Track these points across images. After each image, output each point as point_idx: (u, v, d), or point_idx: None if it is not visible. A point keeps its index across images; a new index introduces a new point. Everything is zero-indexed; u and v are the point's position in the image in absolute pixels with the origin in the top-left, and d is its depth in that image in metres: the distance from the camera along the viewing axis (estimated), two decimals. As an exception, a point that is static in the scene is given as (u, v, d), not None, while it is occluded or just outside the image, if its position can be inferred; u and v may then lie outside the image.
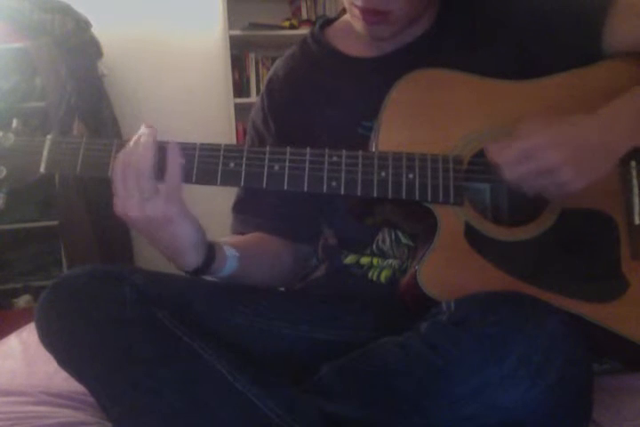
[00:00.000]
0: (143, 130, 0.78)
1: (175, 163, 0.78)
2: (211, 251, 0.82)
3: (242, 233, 1.02)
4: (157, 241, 0.80)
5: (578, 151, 0.74)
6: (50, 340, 0.81)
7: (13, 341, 1.26)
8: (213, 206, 3.06)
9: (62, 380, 0.97)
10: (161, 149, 0.77)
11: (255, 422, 0.73)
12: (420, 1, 0.87)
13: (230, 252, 0.86)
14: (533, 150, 0.74)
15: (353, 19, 0.90)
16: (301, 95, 0.98)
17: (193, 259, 0.81)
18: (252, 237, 0.99)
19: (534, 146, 0.74)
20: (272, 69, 1.06)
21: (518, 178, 0.76)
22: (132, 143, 0.77)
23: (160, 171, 0.77)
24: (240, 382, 0.75)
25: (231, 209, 1.06)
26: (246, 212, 1.02)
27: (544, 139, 0.74)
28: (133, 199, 0.76)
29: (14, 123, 0.82)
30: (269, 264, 0.98)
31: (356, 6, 0.86)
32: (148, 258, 2.96)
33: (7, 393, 0.98)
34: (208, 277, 0.88)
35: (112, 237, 2.73)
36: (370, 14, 0.86)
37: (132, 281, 0.81)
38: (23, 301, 2.67)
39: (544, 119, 0.76)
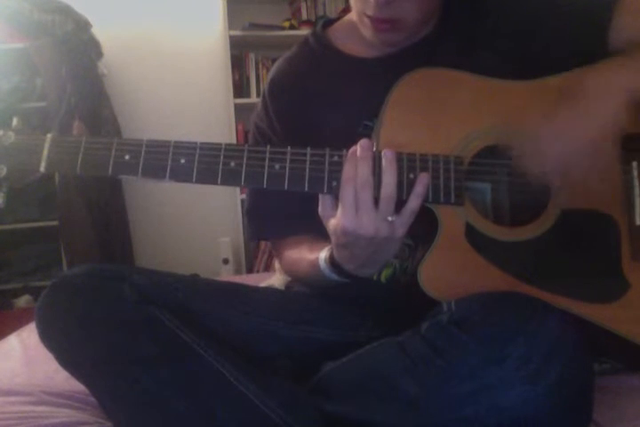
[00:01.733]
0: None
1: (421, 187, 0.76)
2: None
3: (265, 238, 1.08)
4: (361, 255, 0.78)
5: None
6: (50, 340, 0.81)
7: (13, 341, 1.26)
8: (213, 205, 3.07)
9: (62, 380, 0.98)
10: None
11: (255, 422, 0.73)
12: (428, 6, 0.87)
13: None
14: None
15: (362, 27, 0.89)
16: (304, 96, 0.98)
17: (378, 270, 0.85)
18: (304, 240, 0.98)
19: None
20: (273, 70, 1.05)
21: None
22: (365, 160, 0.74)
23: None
24: (240, 382, 0.75)
25: (245, 214, 1.06)
26: (266, 217, 1.03)
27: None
28: (370, 217, 0.73)
29: (14, 121, 0.81)
30: None
31: (367, 16, 0.86)
32: (148, 258, 2.96)
33: (7, 393, 0.97)
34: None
35: (112, 237, 2.73)
36: (381, 23, 0.86)
37: (132, 281, 0.81)
38: (23, 301, 2.67)
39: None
